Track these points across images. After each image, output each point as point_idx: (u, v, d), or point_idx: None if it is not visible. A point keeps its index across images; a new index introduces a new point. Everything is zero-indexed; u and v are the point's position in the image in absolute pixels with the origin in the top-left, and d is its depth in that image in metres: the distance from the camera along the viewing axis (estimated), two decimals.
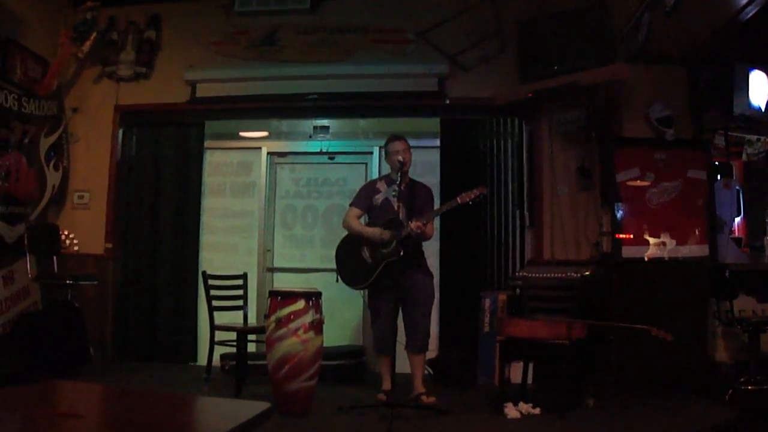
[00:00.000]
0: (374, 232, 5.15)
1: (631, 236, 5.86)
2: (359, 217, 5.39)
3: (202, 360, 6.29)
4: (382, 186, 5.43)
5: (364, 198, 5.42)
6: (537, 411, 4.71)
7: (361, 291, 5.47)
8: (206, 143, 7.21)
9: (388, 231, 5.08)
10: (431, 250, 5.91)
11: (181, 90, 6.94)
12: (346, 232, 5.40)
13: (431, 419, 4.68)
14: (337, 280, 5.31)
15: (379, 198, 5.37)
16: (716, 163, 6.25)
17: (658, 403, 5.00)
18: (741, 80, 5.88)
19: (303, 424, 4.49)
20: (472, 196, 5.06)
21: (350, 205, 5.48)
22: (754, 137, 6.71)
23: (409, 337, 5.20)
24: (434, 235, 5.54)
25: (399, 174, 5.11)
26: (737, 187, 6.55)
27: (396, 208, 5.05)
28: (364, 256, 5.19)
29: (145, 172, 7.09)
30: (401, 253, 4.99)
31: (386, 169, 5.78)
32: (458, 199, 5.06)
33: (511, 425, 4.52)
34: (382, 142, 5.61)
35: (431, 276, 5.37)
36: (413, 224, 4.98)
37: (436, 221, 5.80)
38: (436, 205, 5.55)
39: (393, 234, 5.05)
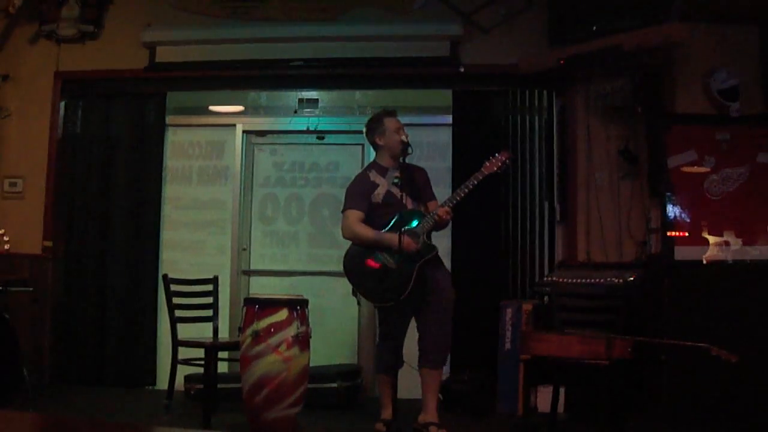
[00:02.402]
0: (393, 239, 4.98)
1: (686, 234, 5.86)
2: (361, 221, 5.30)
3: (163, 383, 6.29)
4: (376, 178, 5.39)
5: (362, 197, 5.34)
6: None
7: (357, 298, 5.41)
8: (168, 119, 7.19)
9: (405, 232, 5.04)
10: (441, 250, 5.87)
11: (136, 54, 6.90)
12: (335, 234, 5.37)
13: None
14: (359, 303, 5.27)
15: (379, 193, 5.33)
16: None
17: None
18: None
19: None
20: (499, 164, 5.23)
21: (346, 209, 5.36)
22: None
23: (427, 349, 5.17)
24: (443, 232, 5.66)
25: (400, 158, 5.12)
26: None
27: (401, 199, 5.01)
28: (385, 262, 5.07)
29: (93, 153, 7.06)
30: (436, 250, 5.13)
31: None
32: (483, 170, 5.20)
33: None
34: None
35: (450, 274, 5.43)
36: (441, 211, 5.11)
37: None
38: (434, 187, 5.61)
39: (413, 231, 5.09)
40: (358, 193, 5.36)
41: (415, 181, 5.33)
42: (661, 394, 5.61)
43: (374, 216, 5.28)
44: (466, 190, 5.20)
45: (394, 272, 5.03)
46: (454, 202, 5.17)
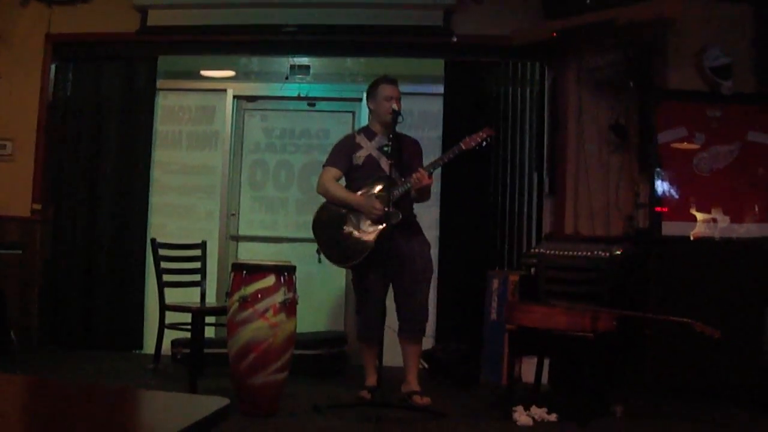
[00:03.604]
0: (360, 201, 5.16)
1: (674, 210, 5.87)
2: (338, 179, 5.38)
3: (150, 347, 6.30)
4: (362, 141, 5.42)
5: (343, 156, 5.39)
6: (553, 417, 4.72)
7: (319, 256, 5.44)
8: (159, 83, 7.14)
9: (375, 196, 5.12)
10: (429, 220, 5.91)
11: (128, 17, 6.83)
12: (323, 200, 5.38)
13: (425, 423, 4.68)
14: (320, 260, 5.29)
15: (361, 156, 5.36)
16: None
17: (700, 414, 5.02)
18: None
19: (269, 426, 4.48)
20: (478, 140, 5.21)
21: (325, 165, 5.45)
22: None
23: (403, 320, 5.22)
24: (431, 202, 5.65)
25: (391, 126, 5.08)
26: None
27: (385, 166, 5.03)
28: (351, 223, 5.17)
29: (84, 117, 7.01)
30: (401, 217, 5.06)
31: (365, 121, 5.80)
32: (462, 144, 5.19)
33: None
34: None
35: (428, 245, 5.42)
36: (416, 174, 5.05)
37: (435, 186, 5.80)
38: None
39: (384, 197, 5.05)
40: (339, 152, 5.44)
41: (403, 152, 5.30)
42: (645, 367, 5.65)
43: (352, 177, 5.35)
44: (441, 164, 5.27)
45: (356, 235, 5.14)
46: (430, 170, 5.16)
